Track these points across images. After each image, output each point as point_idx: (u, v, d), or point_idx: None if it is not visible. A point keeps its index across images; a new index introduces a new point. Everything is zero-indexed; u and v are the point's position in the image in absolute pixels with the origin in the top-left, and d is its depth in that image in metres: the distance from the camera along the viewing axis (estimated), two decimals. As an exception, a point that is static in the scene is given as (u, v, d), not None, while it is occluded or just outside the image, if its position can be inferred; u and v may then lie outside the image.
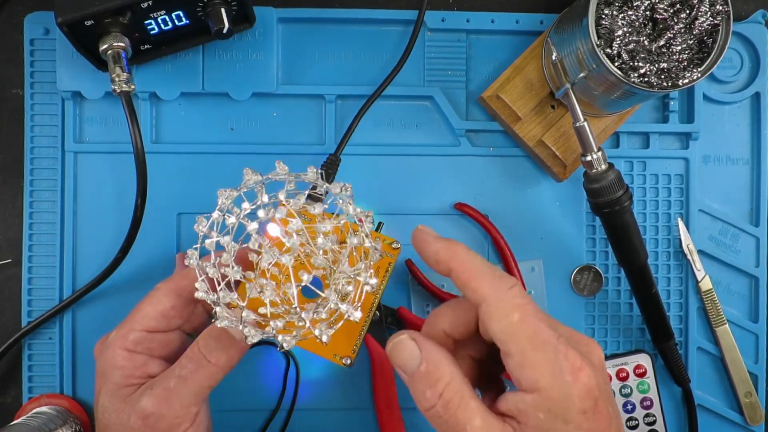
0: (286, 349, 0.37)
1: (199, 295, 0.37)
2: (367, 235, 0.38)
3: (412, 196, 0.53)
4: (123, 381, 0.41)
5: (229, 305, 0.37)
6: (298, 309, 0.37)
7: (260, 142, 0.53)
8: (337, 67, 0.53)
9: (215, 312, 0.37)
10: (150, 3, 0.44)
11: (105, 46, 0.44)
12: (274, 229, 0.37)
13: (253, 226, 0.37)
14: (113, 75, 0.44)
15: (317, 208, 0.38)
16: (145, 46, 0.48)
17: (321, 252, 0.38)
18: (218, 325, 0.37)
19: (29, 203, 0.52)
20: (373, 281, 0.38)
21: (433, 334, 0.38)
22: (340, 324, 0.38)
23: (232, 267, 0.37)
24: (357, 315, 0.37)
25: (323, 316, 0.37)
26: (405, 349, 0.35)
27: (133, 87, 0.45)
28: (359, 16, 0.53)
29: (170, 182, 0.52)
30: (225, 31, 0.45)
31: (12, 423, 0.47)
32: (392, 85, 0.52)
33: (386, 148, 0.53)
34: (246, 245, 0.38)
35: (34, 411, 0.50)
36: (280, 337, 0.37)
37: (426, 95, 0.53)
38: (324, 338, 0.37)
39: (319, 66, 0.53)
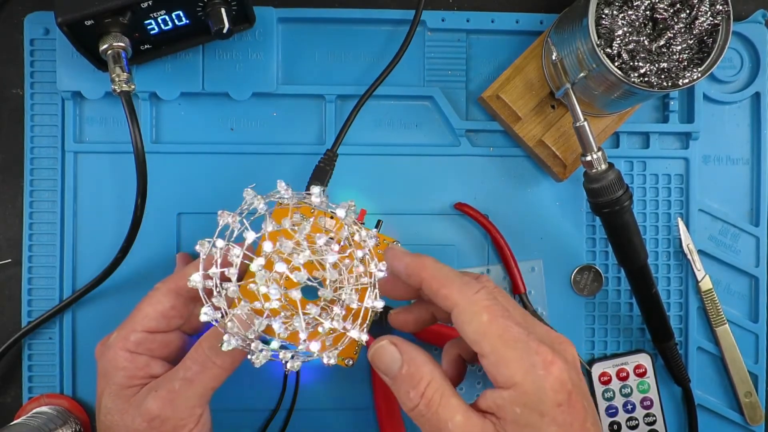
0: (293, 370, 0.38)
1: (203, 318, 0.37)
2: (372, 257, 0.39)
3: (412, 196, 0.53)
4: (126, 382, 0.41)
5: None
6: (306, 342, 0.37)
7: (260, 142, 0.53)
8: (337, 67, 0.53)
9: (223, 340, 0.37)
10: (150, 3, 0.44)
11: (105, 46, 0.44)
12: (281, 266, 0.37)
13: (259, 261, 0.37)
14: (113, 75, 0.44)
15: (322, 239, 0.38)
16: (145, 46, 0.48)
17: (329, 283, 0.38)
18: (224, 349, 0.37)
19: (29, 203, 0.52)
20: (380, 304, 0.39)
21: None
22: (346, 343, 0.39)
23: (239, 300, 0.37)
24: (365, 338, 0.38)
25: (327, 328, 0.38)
26: (386, 353, 0.37)
27: (133, 87, 0.45)
28: (359, 16, 0.53)
29: (170, 182, 0.52)
30: (225, 31, 0.45)
31: (12, 423, 0.47)
32: (392, 85, 0.52)
33: (386, 148, 0.53)
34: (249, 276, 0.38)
35: (34, 411, 0.50)
36: (289, 365, 0.38)
37: (426, 95, 0.53)
38: (332, 362, 0.38)
39: (319, 66, 0.53)
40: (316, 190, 0.39)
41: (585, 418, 0.35)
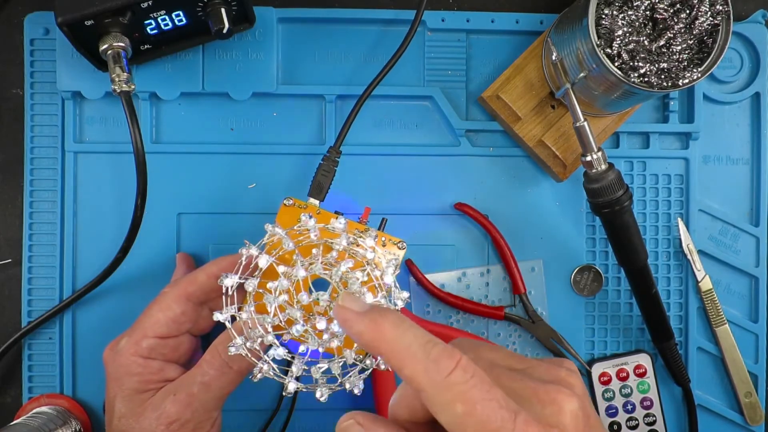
0: (322, 401, 0.40)
1: (233, 351, 0.40)
2: (400, 291, 0.40)
3: (412, 196, 0.53)
4: (140, 387, 0.42)
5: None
6: (341, 383, 0.40)
7: (260, 142, 0.53)
8: (337, 67, 0.53)
9: (256, 373, 0.40)
10: (150, 3, 0.44)
11: (105, 46, 0.44)
12: (321, 323, 0.39)
13: (296, 318, 0.39)
14: (113, 75, 0.44)
15: (356, 283, 0.40)
16: (145, 46, 0.48)
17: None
18: (256, 380, 0.40)
19: (29, 203, 0.52)
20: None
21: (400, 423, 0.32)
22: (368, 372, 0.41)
23: (276, 345, 0.40)
24: (383, 366, 0.40)
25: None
26: None
27: (133, 87, 0.45)
28: (359, 16, 0.53)
29: (170, 182, 0.52)
30: (225, 31, 0.45)
31: (12, 423, 0.47)
32: (392, 85, 0.52)
33: (386, 148, 0.53)
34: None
35: (34, 411, 0.50)
36: (318, 393, 0.40)
37: (426, 95, 0.53)
38: (356, 391, 0.40)
39: (319, 66, 0.53)
40: (339, 225, 0.40)
41: None
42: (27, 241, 0.52)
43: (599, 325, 0.55)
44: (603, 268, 0.54)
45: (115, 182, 0.52)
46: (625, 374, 0.54)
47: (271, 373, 0.39)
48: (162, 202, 0.52)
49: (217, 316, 0.39)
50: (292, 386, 0.39)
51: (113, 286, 0.51)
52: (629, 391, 0.54)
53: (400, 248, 0.44)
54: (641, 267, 0.50)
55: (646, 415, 0.54)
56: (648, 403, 0.54)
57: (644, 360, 0.54)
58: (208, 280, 0.43)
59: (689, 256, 0.54)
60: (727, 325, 0.54)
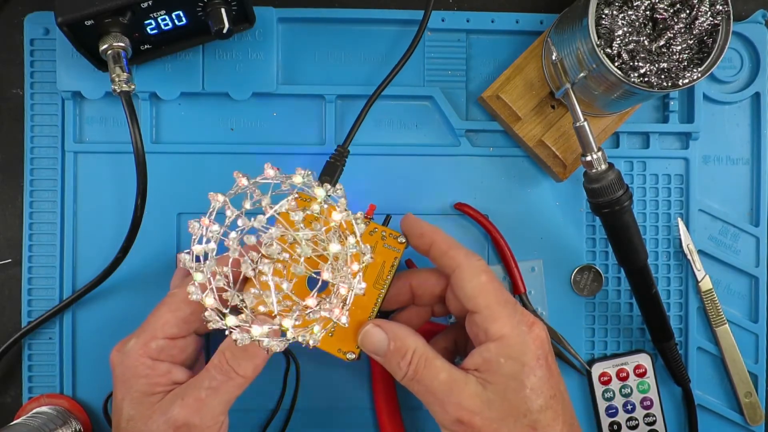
0: (313, 345, 0.39)
1: (212, 326, 0.38)
2: (358, 240, 0.39)
3: (412, 196, 0.53)
4: (148, 389, 0.41)
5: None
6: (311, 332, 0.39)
7: (260, 142, 0.53)
8: (337, 67, 0.53)
9: (235, 339, 0.38)
10: (150, 3, 0.44)
11: (105, 46, 0.44)
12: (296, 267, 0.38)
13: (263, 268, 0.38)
14: (113, 75, 0.44)
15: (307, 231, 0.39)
16: (145, 46, 0.48)
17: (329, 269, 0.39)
18: (239, 345, 0.38)
19: (29, 203, 0.52)
20: (362, 285, 0.39)
21: (400, 288, 0.45)
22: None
23: (234, 294, 0.38)
24: (344, 320, 0.39)
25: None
26: (373, 335, 0.41)
27: (133, 87, 0.45)
28: (359, 16, 0.53)
29: (170, 182, 0.52)
30: (225, 31, 0.45)
31: (12, 423, 0.47)
32: (392, 85, 0.52)
33: (386, 148, 0.53)
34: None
35: (34, 411, 0.50)
36: (301, 338, 0.39)
37: (426, 95, 0.53)
38: (311, 342, 0.39)
39: (319, 66, 0.53)
40: (301, 171, 0.39)
41: (559, 380, 0.40)
42: (27, 241, 0.52)
43: (599, 325, 0.55)
44: (603, 268, 0.54)
45: (115, 182, 0.52)
46: (625, 374, 0.54)
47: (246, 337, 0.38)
48: (162, 202, 0.52)
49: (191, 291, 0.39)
50: (275, 345, 0.38)
51: (113, 286, 0.51)
52: (629, 391, 0.54)
53: (400, 243, 0.44)
54: (641, 267, 0.50)
55: (646, 415, 0.54)
56: (648, 403, 0.54)
57: (644, 360, 0.54)
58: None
59: (689, 256, 0.54)
60: (727, 325, 0.54)
